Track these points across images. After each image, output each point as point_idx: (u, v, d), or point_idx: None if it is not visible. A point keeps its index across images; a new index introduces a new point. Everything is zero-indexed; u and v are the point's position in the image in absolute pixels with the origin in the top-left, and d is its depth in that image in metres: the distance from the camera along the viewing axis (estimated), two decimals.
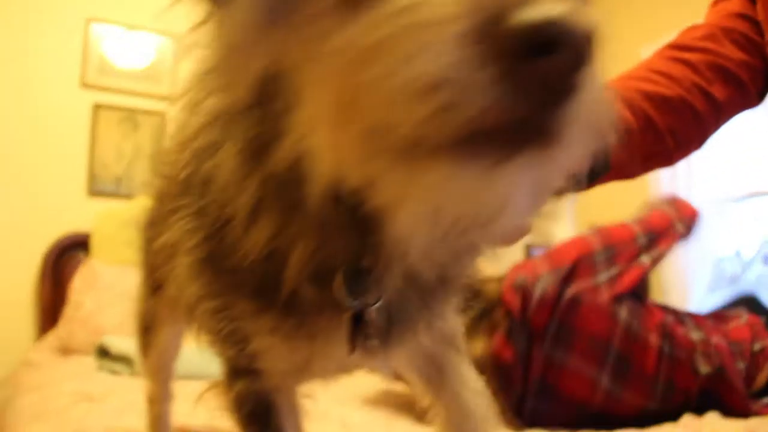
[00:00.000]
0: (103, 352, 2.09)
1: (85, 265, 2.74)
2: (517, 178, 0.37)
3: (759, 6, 1.10)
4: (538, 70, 0.33)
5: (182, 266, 0.63)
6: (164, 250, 0.74)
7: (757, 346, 1.68)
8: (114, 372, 1.99)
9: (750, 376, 1.64)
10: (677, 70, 1.02)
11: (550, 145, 0.36)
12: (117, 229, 2.97)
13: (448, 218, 0.39)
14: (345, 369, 0.73)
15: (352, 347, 0.56)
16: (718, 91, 1.03)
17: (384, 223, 0.45)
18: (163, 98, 3.34)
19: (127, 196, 3.21)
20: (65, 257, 2.99)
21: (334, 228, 0.50)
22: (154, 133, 3.32)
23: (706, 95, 1.02)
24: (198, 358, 1.87)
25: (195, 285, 0.62)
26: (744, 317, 1.80)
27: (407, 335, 0.62)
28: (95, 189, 3.22)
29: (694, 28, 1.11)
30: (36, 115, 3.12)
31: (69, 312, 2.54)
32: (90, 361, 2.14)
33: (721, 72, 1.04)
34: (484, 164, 0.35)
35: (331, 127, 0.39)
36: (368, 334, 0.56)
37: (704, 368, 1.58)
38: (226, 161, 0.52)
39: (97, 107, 3.22)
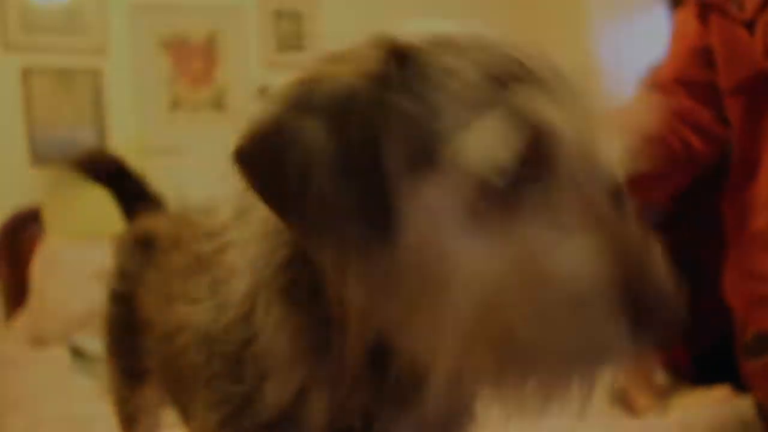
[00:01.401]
0: (77, 352, 2.09)
1: (42, 245, 2.67)
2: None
3: (712, 29, 1.09)
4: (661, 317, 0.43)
5: None
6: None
7: None
8: (92, 375, 2.00)
9: None
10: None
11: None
12: (69, 197, 2.86)
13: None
14: None
15: None
16: (690, 138, 1.03)
17: (425, 381, 0.49)
18: (95, 51, 3.13)
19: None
20: (20, 234, 2.90)
21: (359, 380, 0.51)
22: (93, 91, 3.13)
23: (682, 140, 1.02)
24: None
25: None
26: None
27: None
28: (39, 157, 3.07)
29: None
30: None
31: (34, 302, 2.51)
32: (64, 354, 2.14)
33: (688, 124, 1.04)
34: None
35: (453, 340, 0.43)
36: None
37: None
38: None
39: (26, 71, 2.99)
